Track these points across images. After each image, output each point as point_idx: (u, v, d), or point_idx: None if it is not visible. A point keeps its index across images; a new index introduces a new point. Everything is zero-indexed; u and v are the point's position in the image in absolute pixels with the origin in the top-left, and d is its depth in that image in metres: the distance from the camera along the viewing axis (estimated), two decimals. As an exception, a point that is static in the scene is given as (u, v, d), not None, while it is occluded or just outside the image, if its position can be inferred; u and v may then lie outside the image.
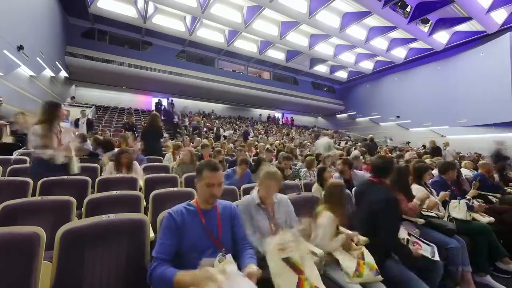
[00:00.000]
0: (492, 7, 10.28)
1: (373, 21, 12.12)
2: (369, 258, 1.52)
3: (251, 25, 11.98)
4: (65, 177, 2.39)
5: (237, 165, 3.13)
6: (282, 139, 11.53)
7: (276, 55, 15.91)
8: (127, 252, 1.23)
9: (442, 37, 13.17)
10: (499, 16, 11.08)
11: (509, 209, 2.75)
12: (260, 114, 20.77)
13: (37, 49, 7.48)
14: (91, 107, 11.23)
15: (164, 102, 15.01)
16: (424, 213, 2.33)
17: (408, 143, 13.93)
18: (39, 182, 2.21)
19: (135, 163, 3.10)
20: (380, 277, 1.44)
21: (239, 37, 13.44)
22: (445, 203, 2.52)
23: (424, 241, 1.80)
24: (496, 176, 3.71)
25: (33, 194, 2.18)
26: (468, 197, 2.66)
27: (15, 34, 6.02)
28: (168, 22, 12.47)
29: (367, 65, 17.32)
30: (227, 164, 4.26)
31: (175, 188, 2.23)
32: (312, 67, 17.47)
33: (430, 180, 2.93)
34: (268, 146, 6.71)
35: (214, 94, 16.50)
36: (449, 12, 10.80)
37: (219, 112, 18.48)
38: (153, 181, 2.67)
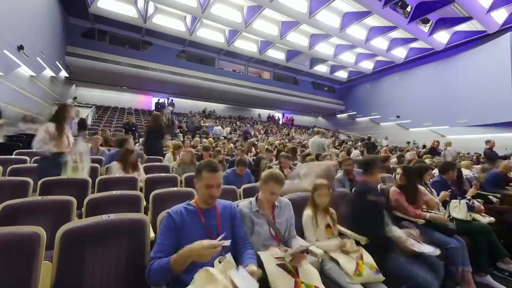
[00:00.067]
0: (493, 7, 10.28)
1: (373, 21, 12.12)
2: (368, 258, 1.52)
3: (251, 25, 11.99)
4: (66, 177, 2.39)
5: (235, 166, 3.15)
6: (282, 139, 11.52)
7: (276, 55, 15.92)
8: (127, 252, 1.22)
9: (442, 37, 13.17)
10: (500, 16, 11.08)
11: (509, 209, 2.75)
12: (259, 114, 20.78)
13: (37, 49, 7.48)
14: (91, 107, 11.24)
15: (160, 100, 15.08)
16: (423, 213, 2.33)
17: (408, 143, 13.92)
18: (39, 182, 2.21)
19: (138, 162, 3.14)
20: (381, 276, 1.44)
21: (239, 37, 13.45)
22: (445, 203, 2.52)
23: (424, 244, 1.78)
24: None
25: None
26: (468, 196, 2.66)
27: (15, 34, 6.02)
28: (168, 22, 12.48)
29: (367, 65, 17.32)
30: (227, 164, 4.26)
31: (175, 188, 2.23)
32: (312, 67, 17.47)
33: (430, 180, 2.93)
34: (268, 146, 6.72)
35: (214, 94, 16.51)
36: (450, 12, 10.80)
37: (219, 112, 18.49)
38: (153, 181, 2.66)
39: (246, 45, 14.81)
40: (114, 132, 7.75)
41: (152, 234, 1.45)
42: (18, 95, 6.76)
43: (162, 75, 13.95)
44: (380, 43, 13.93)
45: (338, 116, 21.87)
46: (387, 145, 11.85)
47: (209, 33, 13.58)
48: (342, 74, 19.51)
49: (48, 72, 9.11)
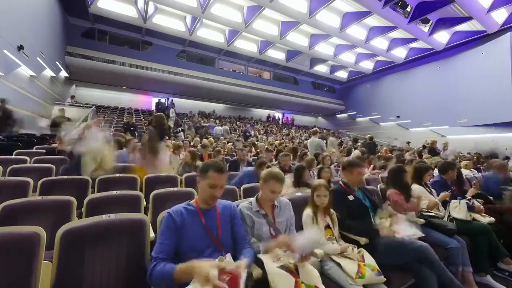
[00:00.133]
0: (493, 7, 10.27)
1: (373, 21, 12.12)
2: (369, 259, 1.52)
3: (251, 25, 11.99)
4: (66, 177, 2.39)
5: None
6: (282, 139, 11.52)
7: (276, 55, 15.91)
8: (127, 252, 1.23)
9: (442, 37, 13.17)
10: (500, 16, 11.08)
11: (509, 209, 2.75)
12: (255, 119, 20.75)
13: (37, 49, 7.48)
14: (91, 107, 11.24)
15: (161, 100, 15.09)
16: (424, 213, 2.33)
17: (408, 143, 13.92)
18: (39, 182, 2.22)
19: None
20: (382, 278, 1.44)
21: (239, 37, 13.45)
22: (445, 203, 2.52)
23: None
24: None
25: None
26: (468, 196, 2.66)
27: (15, 34, 6.02)
28: (168, 22, 12.48)
29: (367, 65, 17.32)
30: (227, 164, 4.26)
31: (175, 188, 2.23)
32: (312, 67, 17.47)
33: (431, 180, 2.93)
34: (268, 146, 6.72)
35: (214, 94, 16.51)
36: (450, 12, 10.79)
37: (219, 112, 18.49)
38: (153, 181, 2.67)
39: (246, 45, 14.81)
40: (114, 132, 7.75)
41: (152, 234, 1.45)
42: (18, 95, 6.76)
43: (162, 75, 13.95)
44: (380, 43, 13.92)
45: (338, 116, 21.86)
46: (394, 146, 11.85)
47: (209, 33, 13.58)
48: (342, 74, 19.51)
49: (48, 72, 9.12)
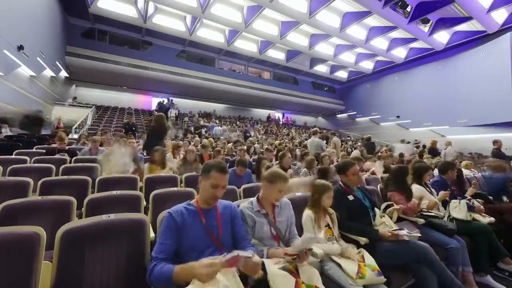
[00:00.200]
0: (493, 7, 10.27)
1: (373, 21, 12.12)
2: (369, 259, 1.52)
3: (251, 25, 11.98)
4: (66, 177, 2.39)
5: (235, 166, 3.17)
6: (282, 139, 11.53)
7: (276, 55, 15.91)
8: (127, 252, 1.22)
9: (442, 37, 13.16)
10: (500, 16, 11.08)
11: (509, 209, 2.75)
12: (255, 119, 20.74)
13: (37, 49, 7.48)
14: (91, 107, 11.24)
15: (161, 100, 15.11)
16: (424, 213, 2.33)
17: (408, 143, 13.91)
18: (39, 182, 2.22)
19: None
20: (383, 278, 1.44)
21: (239, 37, 13.45)
22: (445, 203, 2.52)
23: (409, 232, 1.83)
24: None
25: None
26: (467, 196, 2.66)
27: (15, 34, 6.02)
28: (168, 22, 12.48)
29: (367, 65, 17.32)
30: (227, 164, 4.27)
31: (175, 188, 2.23)
32: (312, 67, 17.47)
33: (431, 180, 2.93)
34: (268, 146, 6.72)
35: (214, 94, 16.51)
36: (450, 12, 10.79)
37: (219, 112, 18.49)
38: (153, 181, 2.67)
39: (246, 45, 14.80)
40: (114, 132, 7.76)
41: (152, 234, 1.45)
42: (18, 95, 6.77)
43: (162, 75, 13.95)
44: (380, 43, 13.92)
45: (338, 116, 21.86)
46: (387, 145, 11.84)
47: (209, 33, 13.57)
48: (342, 74, 19.51)
49: (48, 72, 9.12)
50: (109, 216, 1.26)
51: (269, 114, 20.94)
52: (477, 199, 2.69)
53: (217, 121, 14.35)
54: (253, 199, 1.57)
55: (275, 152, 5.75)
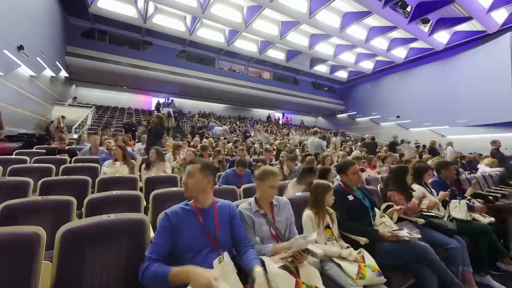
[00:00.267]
0: (493, 7, 10.28)
1: (373, 21, 12.12)
2: (369, 260, 1.52)
3: (251, 25, 11.98)
4: (66, 177, 2.39)
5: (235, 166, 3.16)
6: (282, 139, 11.53)
7: (276, 55, 15.91)
8: (127, 252, 1.22)
9: (442, 37, 13.17)
10: (500, 16, 11.08)
11: (509, 209, 2.75)
12: (255, 119, 20.74)
13: (37, 49, 7.48)
14: (91, 107, 11.24)
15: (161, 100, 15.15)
16: (424, 213, 2.33)
17: (408, 142, 13.90)
18: (39, 182, 2.22)
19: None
20: (383, 279, 1.44)
21: (239, 37, 13.44)
22: (445, 203, 2.52)
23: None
24: None
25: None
26: (467, 196, 2.66)
27: (15, 34, 6.01)
28: (168, 22, 12.48)
29: (367, 65, 17.32)
30: (227, 164, 4.26)
31: (175, 188, 2.23)
32: (312, 67, 17.47)
33: (430, 180, 2.92)
34: (267, 146, 6.72)
35: (214, 94, 16.51)
36: (450, 12, 10.79)
37: (219, 112, 18.49)
38: (153, 181, 2.67)
39: (246, 45, 14.80)
40: (114, 132, 7.76)
41: (152, 234, 1.44)
42: (18, 95, 6.76)
43: (162, 75, 13.95)
44: (380, 43, 13.92)
45: (338, 116, 21.86)
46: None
47: (209, 33, 13.57)
48: (342, 74, 19.51)
49: (48, 72, 9.11)
50: (109, 216, 1.26)
51: (269, 114, 20.95)
52: (477, 199, 2.69)
53: (217, 121, 14.35)
54: (251, 199, 1.57)
55: (274, 152, 5.75)
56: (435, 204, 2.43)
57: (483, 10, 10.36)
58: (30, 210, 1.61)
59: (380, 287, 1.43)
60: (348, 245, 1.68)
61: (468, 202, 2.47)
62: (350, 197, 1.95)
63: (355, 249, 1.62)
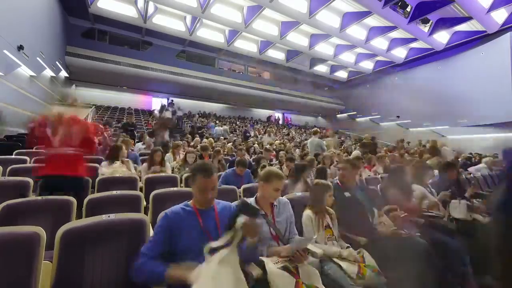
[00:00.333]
0: (493, 7, 10.27)
1: (373, 21, 12.11)
2: (369, 260, 1.52)
3: (251, 25, 11.98)
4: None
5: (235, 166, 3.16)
6: (282, 139, 11.52)
7: (276, 55, 15.90)
8: (127, 252, 1.23)
9: (442, 37, 13.16)
10: (500, 16, 11.08)
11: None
12: (255, 119, 20.72)
13: (37, 49, 7.48)
14: (91, 107, 11.24)
15: (165, 103, 15.12)
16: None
17: (408, 143, 13.91)
18: (39, 182, 2.21)
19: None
20: (383, 279, 1.44)
21: (239, 37, 13.44)
22: (445, 203, 2.52)
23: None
24: None
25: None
26: (467, 196, 2.66)
27: (15, 34, 6.01)
28: (168, 22, 12.47)
29: (367, 65, 17.31)
30: (227, 164, 4.26)
31: (175, 188, 2.23)
32: (312, 67, 17.46)
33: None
34: (267, 145, 6.72)
35: (214, 94, 16.49)
36: (449, 12, 10.79)
37: (219, 112, 18.49)
38: (153, 181, 2.67)
39: (246, 45, 14.79)
40: (114, 132, 7.75)
41: (152, 234, 1.45)
42: (18, 95, 6.76)
43: (162, 75, 13.94)
44: (380, 43, 13.92)
45: (338, 116, 21.86)
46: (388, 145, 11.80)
47: (209, 33, 13.56)
48: (342, 74, 19.50)
49: (48, 72, 9.11)
50: (109, 216, 1.26)
51: (270, 115, 20.94)
52: (477, 199, 2.69)
53: (217, 121, 14.34)
54: (251, 199, 1.57)
55: (274, 153, 5.75)
56: (435, 204, 2.44)
57: (483, 10, 10.36)
58: (30, 210, 1.61)
59: (380, 287, 1.44)
60: (348, 245, 1.68)
61: (468, 202, 2.46)
62: (347, 194, 1.96)
63: (355, 249, 1.62)
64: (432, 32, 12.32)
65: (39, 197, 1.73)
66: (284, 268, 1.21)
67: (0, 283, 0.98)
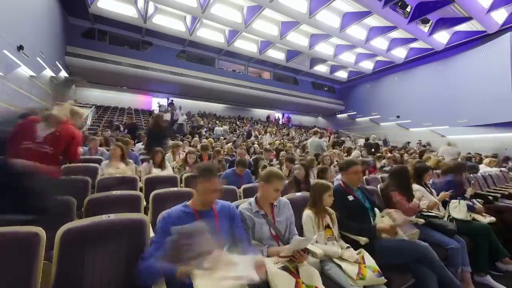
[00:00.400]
0: (493, 7, 10.27)
1: (373, 21, 12.11)
2: (370, 260, 1.52)
3: (251, 25, 11.98)
4: (66, 177, 2.39)
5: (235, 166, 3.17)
6: (282, 139, 11.52)
7: (276, 55, 15.90)
8: (127, 252, 1.23)
9: (442, 37, 13.16)
10: (499, 16, 11.08)
11: (509, 209, 2.75)
12: (255, 119, 20.72)
13: (37, 49, 7.48)
14: (91, 107, 11.24)
15: (164, 102, 15.15)
16: (424, 213, 2.33)
17: (409, 143, 13.92)
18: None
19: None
20: (383, 279, 1.44)
21: (239, 37, 13.44)
22: (445, 203, 2.52)
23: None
24: None
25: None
26: (467, 196, 2.66)
27: (15, 34, 6.01)
28: (168, 22, 12.47)
29: (367, 65, 17.32)
30: (227, 164, 4.26)
31: (175, 188, 2.23)
32: (312, 67, 17.46)
33: (431, 180, 2.92)
34: (267, 145, 6.72)
35: (214, 94, 16.50)
36: (449, 12, 10.79)
37: (219, 112, 18.49)
38: (153, 181, 2.67)
39: (246, 45, 14.79)
40: (122, 137, 7.75)
41: (152, 234, 1.45)
42: (18, 95, 6.76)
43: (162, 75, 13.94)
44: (380, 43, 13.92)
45: (338, 116, 21.86)
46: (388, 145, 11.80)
47: (209, 33, 13.56)
48: (342, 74, 19.50)
49: (48, 72, 9.11)
50: (109, 216, 1.26)
51: (269, 115, 20.94)
52: (477, 199, 2.69)
53: (217, 122, 14.34)
54: (252, 199, 1.57)
55: (274, 153, 5.75)
56: (435, 204, 2.44)
57: (483, 10, 10.36)
58: (30, 210, 1.60)
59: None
60: (348, 245, 1.68)
61: (468, 202, 2.47)
62: (350, 197, 1.94)
63: (355, 249, 1.62)
64: (432, 32, 12.32)
65: (39, 197, 1.73)
66: (284, 268, 1.21)
67: (0, 283, 0.98)
